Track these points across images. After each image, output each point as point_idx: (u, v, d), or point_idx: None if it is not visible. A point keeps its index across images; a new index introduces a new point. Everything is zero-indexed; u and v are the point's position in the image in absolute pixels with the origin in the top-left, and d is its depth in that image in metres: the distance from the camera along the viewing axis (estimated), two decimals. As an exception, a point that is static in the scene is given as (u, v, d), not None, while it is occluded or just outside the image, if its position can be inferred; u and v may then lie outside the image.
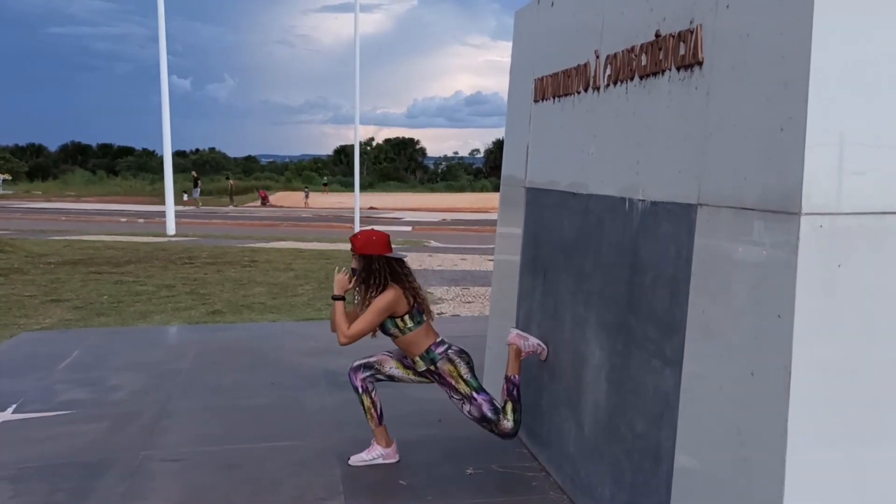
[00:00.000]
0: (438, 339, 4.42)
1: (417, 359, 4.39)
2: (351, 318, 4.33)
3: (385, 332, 4.38)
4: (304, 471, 4.46)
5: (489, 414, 4.33)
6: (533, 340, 4.44)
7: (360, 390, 4.48)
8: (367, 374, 4.49)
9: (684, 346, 2.94)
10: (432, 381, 4.46)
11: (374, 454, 4.54)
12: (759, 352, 2.48)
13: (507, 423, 4.34)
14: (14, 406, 5.63)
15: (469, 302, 10.62)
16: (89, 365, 6.83)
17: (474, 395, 4.34)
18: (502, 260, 5.68)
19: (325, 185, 64.80)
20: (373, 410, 4.50)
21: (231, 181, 51.90)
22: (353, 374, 4.51)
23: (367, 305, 4.28)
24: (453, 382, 4.35)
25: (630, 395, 3.38)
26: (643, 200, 3.31)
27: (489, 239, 18.79)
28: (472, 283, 12.42)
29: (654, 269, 3.21)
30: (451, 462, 4.59)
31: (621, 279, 3.50)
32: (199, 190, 39.73)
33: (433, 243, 20.02)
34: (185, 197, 39.31)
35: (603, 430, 3.66)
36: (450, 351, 4.39)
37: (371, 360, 4.53)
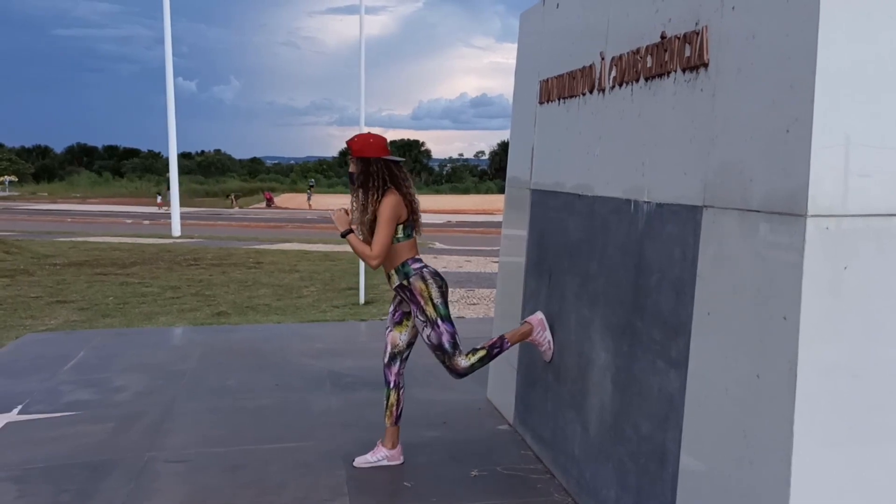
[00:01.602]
0: (417, 256, 4.38)
1: (392, 272, 4.34)
2: (368, 243, 4.25)
3: (392, 241, 4.28)
4: (309, 472, 4.46)
5: (447, 346, 4.28)
6: (548, 335, 4.42)
7: (392, 385, 4.48)
8: (398, 363, 4.49)
9: (689, 347, 2.93)
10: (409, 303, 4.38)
11: (379, 456, 4.54)
12: (765, 353, 2.48)
13: (464, 361, 4.30)
14: (19, 407, 5.64)
15: (474, 304, 10.62)
16: (94, 366, 6.84)
17: (439, 321, 4.28)
18: (507, 262, 5.67)
19: (311, 186, 63.79)
20: (395, 408, 4.50)
21: (232, 197, 52.20)
22: (387, 370, 4.51)
23: (371, 210, 4.20)
24: (422, 302, 4.29)
25: (635, 396, 3.38)
26: (648, 202, 3.30)
27: (494, 241, 18.78)
28: (478, 285, 12.42)
29: (659, 271, 3.20)
30: (456, 464, 4.58)
31: (626, 281, 3.49)
32: (170, 192, 39.96)
33: (438, 245, 20.03)
34: (159, 199, 39.49)
35: (608, 432, 3.66)
36: (425, 270, 4.34)
37: (389, 349, 4.52)
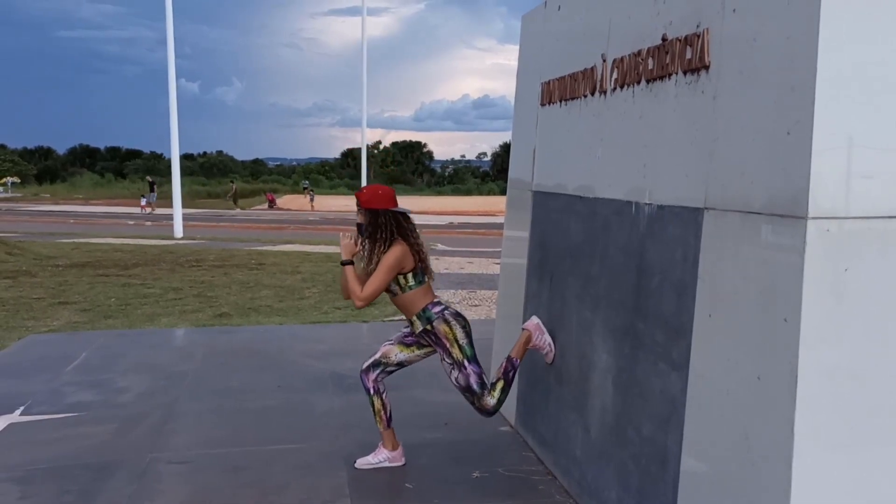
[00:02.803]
0: (436, 300, 4.40)
1: (414, 318, 4.37)
2: (361, 280, 4.30)
3: (386, 289, 4.35)
4: (311, 473, 4.47)
5: (475, 386, 4.30)
6: (547, 338, 4.43)
7: (372, 391, 4.48)
8: (378, 372, 4.49)
9: (691, 349, 2.94)
10: (433, 348, 4.43)
11: (381, 457, 4.55)
12: (766, 355, 2.48)
13: (491, 400, 4.32)
14: (22, 408, 5.65)
15: (476, 305, 10.62)
16: (97, 367, 6.85)
17: (466, 363, 4.31)
18: (509, 263, 5.68)
19: (304, 188, 63.33)
20: (382, 413, 4.50)
21: (234, 184, 52.00)
22: (364, 376, 4.51)
23: (375, 260, 4.25)
24: (447, 345, 4.32)
25: (637, 398, 3.38)
26: (650, 204, 3.31)
27: (496, 242, 18.78)
28: (479, 287, 12.42)
29: (660, 273, 3.21)
30: (458, 465, 4.59)
31: (628, 283, 3.50)
32: (154, 195, 39.97)
33: (440, 246, 20.02)
34: (143, 201, 39.51)
35: (609, 434, 3.66)
36: (446, 312, 4.36)
37: (376, 356, 4.52)
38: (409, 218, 4.41)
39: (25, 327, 8.90)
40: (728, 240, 2.73)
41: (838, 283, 2.35)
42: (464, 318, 4.42)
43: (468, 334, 4.38)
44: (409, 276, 4.32)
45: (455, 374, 4.33)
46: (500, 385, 4.36)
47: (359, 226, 4.37)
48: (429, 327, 4.35)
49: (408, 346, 4.50)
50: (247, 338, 8.22)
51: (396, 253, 4.23)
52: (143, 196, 40.36)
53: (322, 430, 5.24)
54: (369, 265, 4.29)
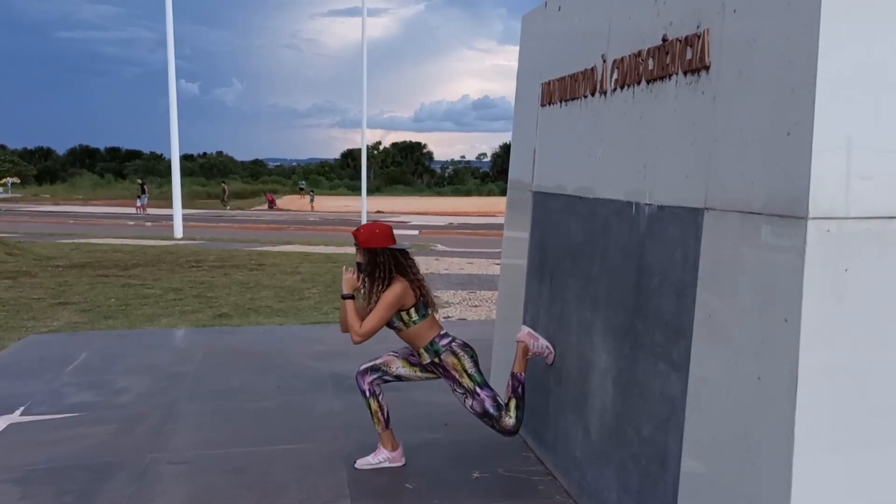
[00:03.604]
0: (442, 332, 4.43)
1: (422, 351, 4.39)
2: (361, 315, 4.32)
3: (390, 325, 4.37)
4: (311, 474, 4.47)
5: (491, 410, 4.32)
6: (542, 342, 4.44)
7: (368, 394, 4.48)
8: (375, 376, 4.49)
9: (691, 350, 2.94)
10: (438, 376, 4.46)
11: (381, 458, 4.55)
12: (766, 356, 2.48)
13: (510, 420, 4.34)
14: (22, 408, 5.65)
15: (476, 306, 10.62)
16: (97, 368, 6.85)
17: (478, 390, 4.34)
18: (509, 264, 5.68)
19: (301, 189, 63.00)
20: (380, 414, 4.50)
21: (225, 185, 52.19)
22: (360, 377, 4.51)
23: (375, 299, 4.27)
24: (457, 376, 4.34)
25: (637, 399, 3.38)
26: (650, 204, 3.31)
27: (496, 243, 18.80)
28: (479, 287, 12.42)
29: (660, 273, 3.21)
30: (457, 466, 4.59)
31: (628, 283, 3.50)
32: (146, 196, 40.09)
33: (440, 247, 20.02)
34: (138, 202, 39.63)
35: (609, 435, 3.66)
36: (454, 344, 4.39)
37: (377, 361, 4.53)
38: (407, 255, 4.43)
39: (25, 328, 8.89)
40: (728, 240, 2.73)
41: (838, 284, 2.35)
42: (471, 349, 4.45)
43: (476, 363, 4.41)
44: (412, 311, 4.34)
45: (469, 401, 4.36)
46: (513, 404, 4.37)
47: (358, 265, 4.40)
48: (437, 360, 4.37)
49: (412, 364, 4.51)
50: (246, 338, 8.22)
51: (396, 290, 4.25)
52: (137, 197, 40.52)
53: (322, 430, 5.24)
54: (369, 304, 4.31)
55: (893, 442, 2.43)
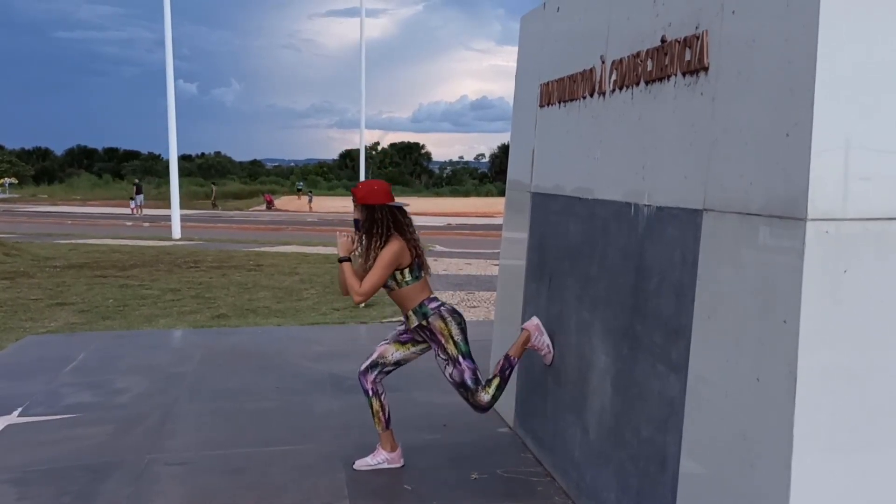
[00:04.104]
0: (432, 296, 4.42)
1: (410, 313, 4.38)
2: (359, 276, 4.30)
3: (383, 284, 4.36)
4: (310, 475, 4.47)
5: (469, 382, 4.31)
6: (546, 339, 4.43)
7: (371, 393, 4.48)
8: (376, 373, 4.49)
9: (690, 351, 2.94)
10: (427, 344, 4.43)
11: (379, 459, 4.54)
12: (765, 357, 2.48)
13: (486, 396, 4.33)
14: (20, 409, 5.64)
15: (474, 306, 10.62)
16: (95, 368, 6.85)
17: (460, 359, 4.32)
18: (508, 265, 5.68)
19: (298, 190, 62.73)
20: (381, 414, 4.50)
21: (214, 186, 52.34)
22: (362, 377, 4.51)
23: (373, 255, 4.26)
24: (443, 341, 4.32)
25: (635, 399, 3.38)
26: (649, 205, 3.31)
27: (494, 243, 18.80)
28: (478, 288, 12.42)
29: (659, 274, 3.21)
30: (456, 467, 4.59)
31: (627, 284, 3.50)
32: (141, 197, 40.09)
33: (438, 248, 20.02)
34: (132, 204, 39.62)
35: (608, 435, 3.66)
36: (442, 308, 4.37)
37: (374, 357, 4.52)
38: (405, 212, 4.42)
39: (23, 328, 8.88)
40: (727, 241, 2.74)
41: (837, 285, 2.35)
42: (459, 315, 4.43)
43: (463, 331, 4.38)
44: (406, 271, 4.32)
45: (450, 369, 4.33)
46: (495, 382, 4.37)
47: (356, 222, 4.38)
48: (424, 323, 4.35)
49: (403, 343, 4.50)
50: (245, 339, 8.21)
51: (394, 248, 4.24)
52: (131, 199, 40.48)
53: (321, 431, 5.24)
54: (367, 261, 4.29)
55: (892, 442, 2.43)
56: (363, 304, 4.23)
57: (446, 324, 4.33)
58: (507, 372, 4.40)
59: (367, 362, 4.53)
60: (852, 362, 2.38)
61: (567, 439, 4.19)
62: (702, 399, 2.87)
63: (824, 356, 2.35)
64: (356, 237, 4.37)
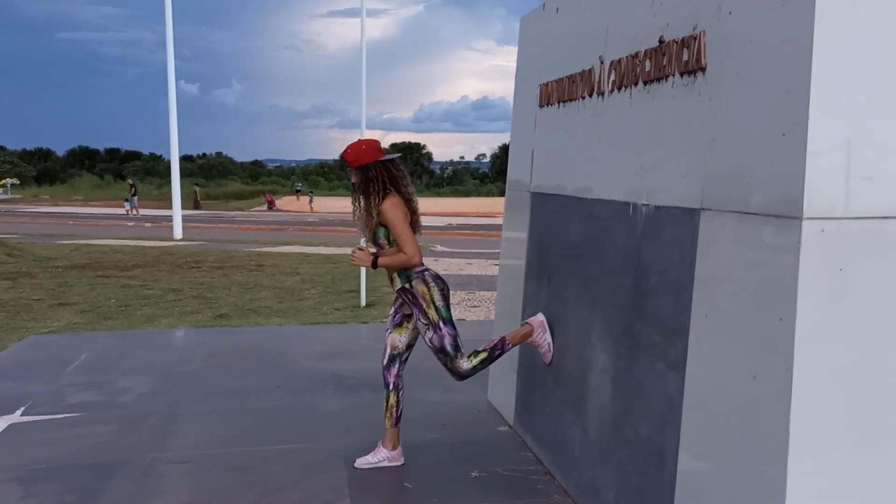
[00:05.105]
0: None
1: (395, 275, 4.39)
2: (393, 252, 4.31)
3: (375, 241, 4.37)
4: (311, 473, 4.49)
5: (448, 348, 4.32)
6: (548, 338, 4.45)
7: (391, 387, 4.52)
8: (397, 366, 4.53)
9: (688, 349, 2.96)
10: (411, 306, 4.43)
11: (380, 457, 4.57)
12: (762, 355, 2.50)
13: (466, 364, 4.34)
14: (23, 408, 5.66)
15: (475, 306, 10.64)
16: (97, 368, 6.87)
17: (441, 324, 4.33)
18: (508, 264, 5.70)
19: (297, 191, 62.80)
20: (394, 409, 4.54)
21: (197, 187, 52.20)
22: (386, 372, 4.55)
23: (375, 213, 4.26)
24: (424, 305, 4.33)
25: (635, 398, 3.40)
26: (647, 205, 3.33)
27: (495, 243, 18.82)
28: (478, 288, 12.44)
29: (658, 273, 3.23)
30: (457, 465, 4.61)
31: (626, 283, 3.52)
32: (136, 198, 40.10)
33: (439, 247, 20.04)
34: (127, 205, 39.61)
35: (608, 434, 3.68)
36: (426, 273, 4.38)
37: (388, 351, 4.55)
38: (398, 164, 4.44)
39: (26, 328, 8.91)
40: (724, 240, 2.76)
41: (833, 283, 2.37)
42: (443, 282, 4.44)
43: (445, 297, 4.39)
44: None
45: (430, 334, 4.34)
46: (482, 356, 4.38)
47: (353, 184, 4.40)
48: (407, 286, 4.36)
49: (400, 325, 4.53)
50: (247, 339, 8.24)
51: (394, 202, 4.27)
52: (126, 201, 40.45)
53: (322, 430, 5.26)
54: (370, 219, 4.30)
55: (889, 440, 2.45)
56: (416, 265, 4.23)
57: (429, 288, 4.34)
58: (497, 353, 4.42)
59: (386, 358, 4.57)
60: (849, 360, 2.40)
61: (567, 437, 4.21)
62: (700, 397, 2.89)
63: (821, 354, 2.37)
64: (354, 198, 4.38)
